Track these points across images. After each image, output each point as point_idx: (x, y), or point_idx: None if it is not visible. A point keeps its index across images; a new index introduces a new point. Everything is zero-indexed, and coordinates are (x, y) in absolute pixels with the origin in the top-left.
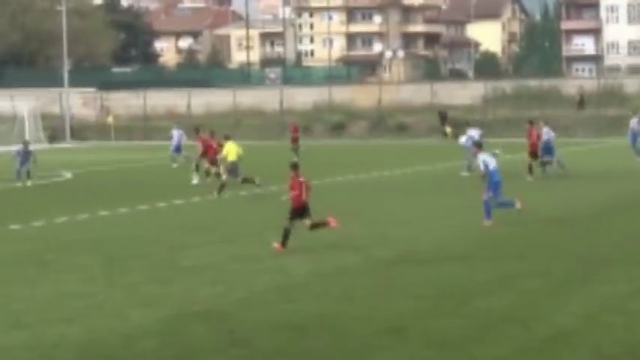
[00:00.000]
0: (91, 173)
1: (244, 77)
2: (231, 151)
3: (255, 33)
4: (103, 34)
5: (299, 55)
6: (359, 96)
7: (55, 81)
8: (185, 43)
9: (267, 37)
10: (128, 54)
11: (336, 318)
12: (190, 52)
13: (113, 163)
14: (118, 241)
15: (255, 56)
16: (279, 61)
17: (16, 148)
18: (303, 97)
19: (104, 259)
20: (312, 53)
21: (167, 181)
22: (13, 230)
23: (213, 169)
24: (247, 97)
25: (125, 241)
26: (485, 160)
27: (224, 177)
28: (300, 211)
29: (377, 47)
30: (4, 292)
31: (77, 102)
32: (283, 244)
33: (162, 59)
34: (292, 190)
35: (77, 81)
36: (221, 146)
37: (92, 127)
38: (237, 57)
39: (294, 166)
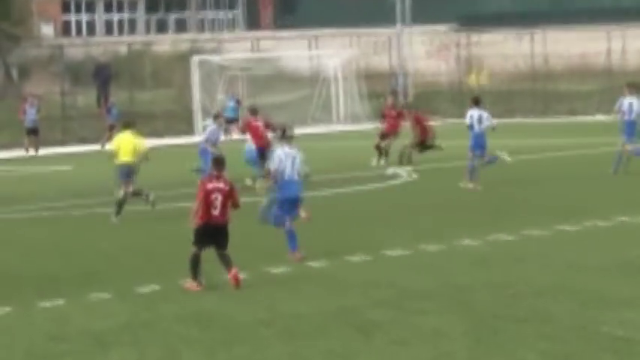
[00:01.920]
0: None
1: None
2: (123, 147)
3: None
4: None
5: None
6: None
7: (384, 15)
8: None
9: None
10: None
11: None
12: None
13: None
14: (492, 288)
15: None
16: None
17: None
18: None
19: (470, 319)
20: None
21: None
22: (315, 271)
23: None
24: None
25: (500, 288)
26: (284, 159)
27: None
28: (211, 232)
29: None
30: None
31: (419, 49)
32: (195, 278)
33: None
34: (201, 202)
35: (420, 14)
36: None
37: (445, 93)
38: None
39: (218, 162)
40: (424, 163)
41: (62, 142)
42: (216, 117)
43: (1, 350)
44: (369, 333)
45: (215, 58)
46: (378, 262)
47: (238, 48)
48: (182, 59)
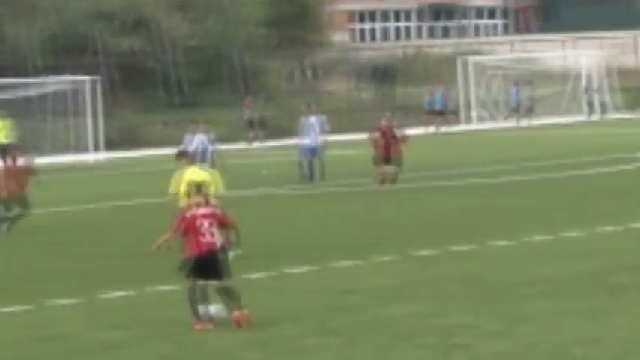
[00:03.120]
0: None
1: None
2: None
3: None
4: None
5: None
6: None
7: (630, 20)
8: None
9: None
10: None
11: None
12: None
13: None
14: None
15: None
16: None
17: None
18: None
19: None
20: None
21: None
22: (568, 239)
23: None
24: None
25: None
26: None
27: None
28: (207, 262)
29: None
30: (569, 326)
31: None
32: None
33: None
34: (182, 228)
35: None
36: None
37: None
38: None
39: (198, 188)
40: None
41: (348, 130)
42: None
43: (301, 302)
44: (615, 294)
45: (477, 59)
46: (622, 232)
47: (497, 50)
48: (449, 60)
